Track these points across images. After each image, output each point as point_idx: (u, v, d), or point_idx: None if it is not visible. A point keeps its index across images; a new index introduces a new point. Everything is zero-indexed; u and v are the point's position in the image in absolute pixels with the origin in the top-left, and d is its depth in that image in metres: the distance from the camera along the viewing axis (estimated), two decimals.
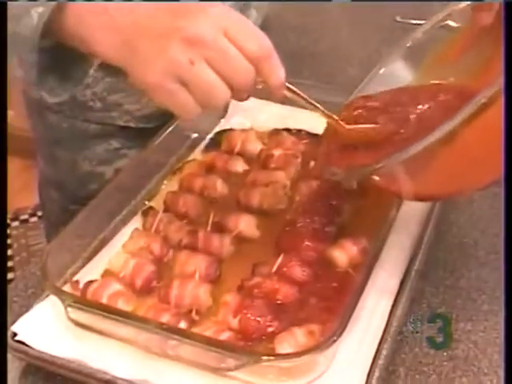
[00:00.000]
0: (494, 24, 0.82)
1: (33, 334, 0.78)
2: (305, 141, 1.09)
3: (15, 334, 0.78)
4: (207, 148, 1.11)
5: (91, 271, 0.87)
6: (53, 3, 0.76)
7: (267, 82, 0.75)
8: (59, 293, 0.79)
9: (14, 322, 0.79)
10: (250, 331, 0.77)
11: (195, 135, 1.11)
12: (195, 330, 0.77)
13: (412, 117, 0.82)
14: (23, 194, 2.66)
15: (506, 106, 0.70)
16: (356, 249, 0.86)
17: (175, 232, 0.91)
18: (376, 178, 0.79)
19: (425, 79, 0.90)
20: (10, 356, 0.78)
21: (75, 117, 1.22)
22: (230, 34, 0.72)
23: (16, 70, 0.95)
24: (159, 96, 0.74)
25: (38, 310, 0.81)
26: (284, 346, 0.75)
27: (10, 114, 1.73)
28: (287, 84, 0.76)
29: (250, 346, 0.76)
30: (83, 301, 0.80)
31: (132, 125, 1.22)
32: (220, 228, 0.92)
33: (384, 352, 0.76)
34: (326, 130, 0.87)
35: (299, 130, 1.11)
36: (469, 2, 0.88)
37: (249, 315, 0.78)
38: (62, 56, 0.82)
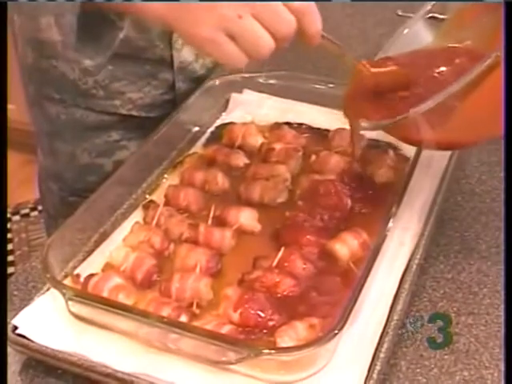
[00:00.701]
0: None
1: (33, 328, 0.78)
2: (306, 134, 1.09)
3: (16, 328, 0.78)
4: (208, 142, 1.10)
5: (92, 265, 0.87)
6: None
7: (307, 31, 0.82)
8: (60, 286, 0.79)
9: (14, 315, 0.79)
10: (250, 325, 0.77)
11: (196, 129, 1.11)
12: (196, 323, 0.77)
13: (431, 75, 0.88)
14: (24, 189, 2.66)
15: (506, 107, 0.73)
16: (357, 243, 0.86)
17: (176, 226, 0.91)
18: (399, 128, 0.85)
19: (444, 40, 0.94)
20: (10, 350, 0.78)
21: (77, 105, 1.22)
22: None
23: (54, 35, 1.00)
24: (209, 48, 0.80)
25: (39, 304, 0.81)
26: (285, 339, 0.75)
27: (11, 108, 1.73)
28: (323, 33, 0.84)
29: (251, 339, 0.76)
30: (84, 294, 0.80)
31: (135, 113, 1.22)
32: (221, 222, 0.92)
33: (385, 345, 0.76)
34: (353, 79, 0.92)
35: (300, 124, 1.11)
36: None
37: (250, 309, 0.78)
38: (95, 21, 0.85)
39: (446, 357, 0.80)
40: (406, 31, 0.98)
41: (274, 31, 0.79)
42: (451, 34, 0.93)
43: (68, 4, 0.87)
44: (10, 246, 2.61)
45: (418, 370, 0.78)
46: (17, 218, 2.76)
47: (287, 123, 1.11)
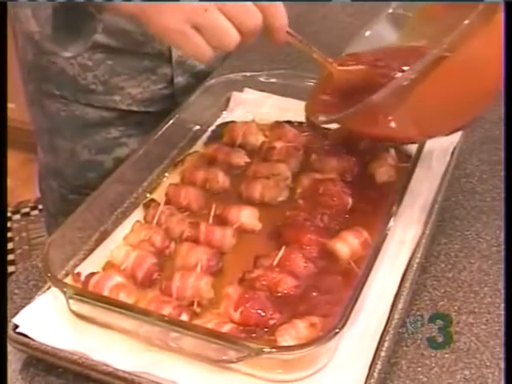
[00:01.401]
0: None
1: (34, 326, 0.78)
2: (306, 133, 1.08)
3: (17, 326, 0.78)
4: (209, 140, 1.10)
5: (93, 263, 0.87)
6: None
7: (272, 26, 0.84)
8: (61, 285, 0.79)
9: (15, 314, 0.79)
10: (251, 323, 0.77)
11: (197, 127, 1.11)
12: (197, 322, 0.77)
13: (392, 73, 0.89)
14: (24, 188, 2.66)
15: (506, 108, 0.73)
16: (357, 242, 0.86)
17: (177, 224, 0.91)
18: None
19: (408, 38, 0.96)
20: (11, 348, 0.78)
21: (77, 101, 1.22)
22: None
23: (32, 26, 1.01)
24: (176, 40, 0.83)
25: (40, 302, 0.81)
26: (286, 338, 0.74)
27: (11, 107, 1.73)
28: (288, 29, 0.86)
29: (252, 338, 0.76)
30: (85, 293, 0.80)
31: (134, 108, 1.23)
32: (222, 220, 0.92)
33: (386, 344, 0.76)
34: (321, 77, 0.95)
35: (301, 123, 1.10)
36: None
37: (250, 307, 0.78)
38: (74, 13, 0.87)
39: (446, 356, 0.79)
40: (367, 33, 1.00)
41: (239, 25, 0.81)
42: (415, 31, 0.94)
43: None
44: (10, 245, 2.61)
45: (419, 369, 0.78)
46: (17, 216, 2.76)
47: (288, 122, 1.10)
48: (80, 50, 0.98)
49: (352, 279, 0.81)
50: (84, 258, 0.88)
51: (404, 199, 0.90)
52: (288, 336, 0.75)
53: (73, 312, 0.79)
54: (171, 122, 1.04)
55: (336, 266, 0.85)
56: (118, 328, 0.78)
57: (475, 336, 0.82)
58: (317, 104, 0.94)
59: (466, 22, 0.78)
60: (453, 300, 0.86)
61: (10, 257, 2.54)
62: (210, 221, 0.92)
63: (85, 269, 0.86)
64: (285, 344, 0.74)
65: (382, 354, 0.75)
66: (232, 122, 1.11)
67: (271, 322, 0.77)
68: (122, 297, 0.80)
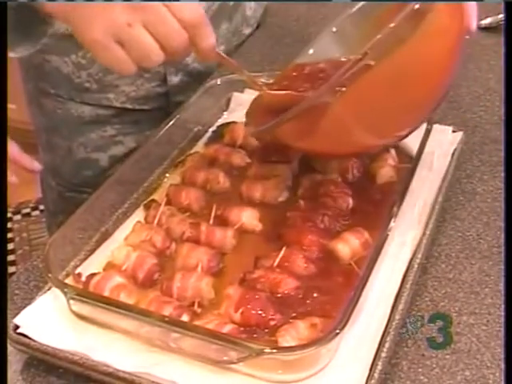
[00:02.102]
0: None
1: (35, 327, 0.78)
2: None
3: (17, 327, 0.78)
4: (209, 141, 1.10)
5: (93, 264, 0.87)
6: None
7: (198, 46, 0.81)
8: (61, 285, 0.79)
9: (16, 314, 0.79)
10: (252, 324, 0.77)
11: (197, 128, 1.11)
12: (197, 322, 0.77)
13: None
14: (25, 188, 2.65)
15: (506, 109, 0.72)
16: (358, 242, 0.86)
17: (177, 225, 0.91)
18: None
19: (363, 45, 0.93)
20: (11, 349, 0.78)
21: (72, 99, 1.22)
22: (168, 4, 0.78)
23: None
24: (99, 52, 0.79)
25: (41, 303, 0.81)
26: (286, 338, 0.74)
27: (11, 107, 1.73)
28: (217, 50, 0.84)
29: (253, 338, 0.76)
30: (85, 293, 0.80)
31: (129, 106, 1.23)
32: (222, 221, 0.92)
33: (387, 345, 0.76)
34: (258, 96, 0.96)
35: None
36: None
37: (251, 308, 0.78)
38: (23, 15, 0.86)
39: (447, 356, 0.79)
40: (311, 51, 1.00)
41: (164, 43, 0.79)
42: (369, 37, 0.92)
43: None
44: (11, 246, 2.61)
45: (420, 370, 0.78)
46: (18, 217, 2.76)
47: None
48: (25, 53, 0.97)
49: (353, 280, 0.81)
50: (85, 259, 0.88)
51: (405, 200, 0.89)
52: (289, 336, 0.75)
53: (73, 312, 0.79)
54: (172, 122, 1.04)
55: (337, 266, 0.85)
56: (119, 328, 0.78)
57: (476, 337, 0.82)
58: (253, 117, 0.94)
59: (392, 25, 0.76)
60: (453, 301, 0.86)
61: (11, 257, 2.54)
62: (211, 221, 0.92)
63: (85, 269, 0.86)
64: (285, 345, 0.74)
65: (383, 354, 0.75)
66: (233, 122, 1.11)
67: (272, 322, 0.77)
68: (123, 297, 0.80)
